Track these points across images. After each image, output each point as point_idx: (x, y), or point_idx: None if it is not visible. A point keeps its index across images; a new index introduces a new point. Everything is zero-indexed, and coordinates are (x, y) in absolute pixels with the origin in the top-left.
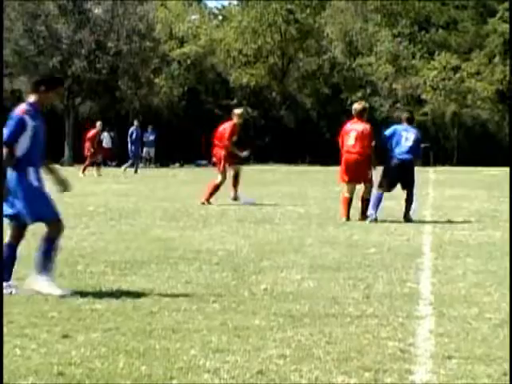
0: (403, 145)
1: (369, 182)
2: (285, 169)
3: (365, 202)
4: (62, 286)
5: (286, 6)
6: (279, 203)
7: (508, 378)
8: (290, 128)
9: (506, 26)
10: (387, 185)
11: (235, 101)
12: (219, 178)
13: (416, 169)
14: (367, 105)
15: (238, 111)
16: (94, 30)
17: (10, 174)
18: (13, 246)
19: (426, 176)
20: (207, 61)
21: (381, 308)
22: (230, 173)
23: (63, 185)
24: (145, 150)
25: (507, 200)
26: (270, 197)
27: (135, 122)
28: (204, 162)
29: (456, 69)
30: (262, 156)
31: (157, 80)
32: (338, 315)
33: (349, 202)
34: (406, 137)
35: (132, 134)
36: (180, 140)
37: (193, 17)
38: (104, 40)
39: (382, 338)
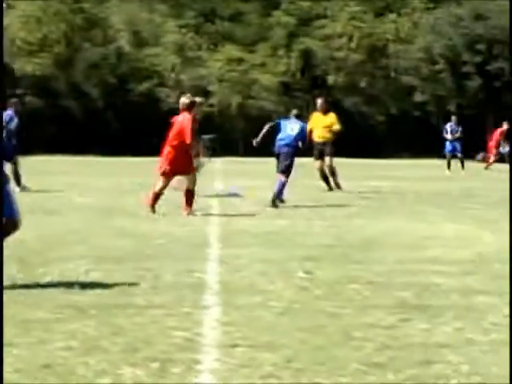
0: (290, 135)
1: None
2: (73, 159)
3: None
4: None
5: None
6: (68, 194)
7: (291, 364)
8: (78, 118)
9: (289, 19)
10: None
11: (20, 90)
12: None
13: (203, 160)
14: (198, 99)
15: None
16: None
17: None
18: None
19: (214, 166)
20: None
21: (168, 298)
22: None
23: None
24: None
25: (293, 189)
26: (58, 187)
27: None
28: None
29: (241, 60)
30: (49, 146)
31: None
32: (125, 306)
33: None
34: (291, 127)
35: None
36: None
37: None
38: None
39: (169, 328)
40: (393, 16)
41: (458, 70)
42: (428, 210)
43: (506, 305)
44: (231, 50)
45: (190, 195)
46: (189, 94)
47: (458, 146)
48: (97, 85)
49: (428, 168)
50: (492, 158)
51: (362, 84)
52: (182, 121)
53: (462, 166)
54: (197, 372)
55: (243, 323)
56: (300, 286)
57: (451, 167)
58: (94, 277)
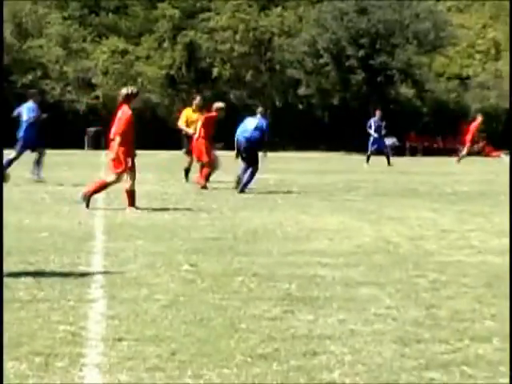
0: (248, 129)
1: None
2: None
3: (128, 193)
4: None
5: None
6: None
7: (176, 357)
8: None
9: (174, 12)
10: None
11: None
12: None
13: (90, 152)
14: (135, 90)
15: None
16: None
17: None
18: None
19: (99, 159)
20: None
21: (52, 292)
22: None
23: None
24: None
25: (176, 183)
26: None
27: None
28: None
29: (125, 52)
30: None
31: None
32: (8, 300)
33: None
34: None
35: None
36: None
37: None
38: None
39: (54, 322)
40: (278, 9)
41: (342, 63)
42: (312, 202)
43: (387, 295)
44: (116, 42)
45: (129, 195)
46: (130, 86)
47: (383, 142)
48: None
49: (313, 161)
50: (465, 150)
51: (247, 77)
52: (121, 116)
53: (388, 161)
54: (81, 366)
55: (128, 316)
56: (185, 278)
57: (369, 162)
58: None
